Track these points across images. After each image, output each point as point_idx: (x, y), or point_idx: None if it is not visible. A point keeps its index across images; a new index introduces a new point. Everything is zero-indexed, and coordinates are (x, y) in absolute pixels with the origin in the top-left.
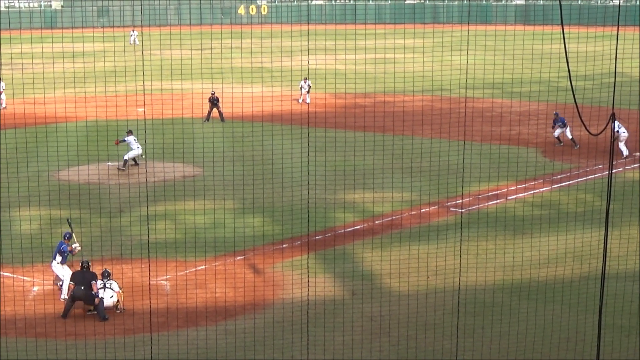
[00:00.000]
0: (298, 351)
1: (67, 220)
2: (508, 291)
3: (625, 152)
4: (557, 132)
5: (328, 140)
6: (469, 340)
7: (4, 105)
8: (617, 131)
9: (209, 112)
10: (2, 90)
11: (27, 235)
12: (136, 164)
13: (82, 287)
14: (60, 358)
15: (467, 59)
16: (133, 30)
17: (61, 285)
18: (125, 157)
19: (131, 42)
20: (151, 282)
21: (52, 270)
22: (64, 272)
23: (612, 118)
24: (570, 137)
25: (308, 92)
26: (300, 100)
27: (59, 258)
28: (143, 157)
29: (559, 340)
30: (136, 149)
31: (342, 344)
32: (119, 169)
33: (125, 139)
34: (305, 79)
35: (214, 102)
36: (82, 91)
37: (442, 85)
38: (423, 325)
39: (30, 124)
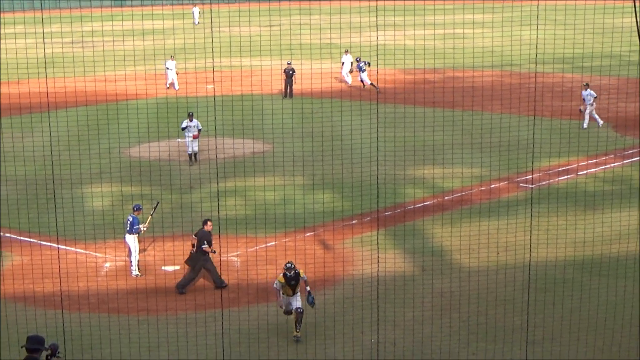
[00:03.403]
0: (368, 326)
1: (156, 203)
2: (579, 267)
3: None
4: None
5: (397, 116)
6: (539, 316)
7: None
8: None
9: (286, 86)
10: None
11: (98, 211)
12: (192, 160)
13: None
14: (132, 333)
15: (537, 34)
16: (194, 6)
17: (132, 260)
18: (189, 152)
19: (196, 22)
20: (221, 258)
21: (125, 243)
22: (136, 245)
23: None
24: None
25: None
26: (349, 82)
27: (128, 229)
28: (192, 160)
29: (631, 316)
30: (189, 143)
31: (412, 319)
32: (190, 165)
33: (186, 124)
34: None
35: (289, 73)
36: (152, 68)
37: (512, 60)
38: (493, 301)
39: (101, 101)
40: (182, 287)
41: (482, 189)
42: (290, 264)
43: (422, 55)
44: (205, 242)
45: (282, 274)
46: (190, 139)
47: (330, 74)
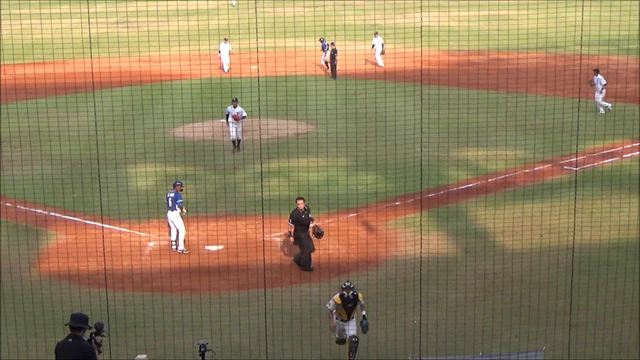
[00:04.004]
0: (411, 308)
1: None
2: (623, 250)
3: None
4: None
5: (441, 98)
6: (583, 298)
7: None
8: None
9: (332, 67)
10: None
11: (143, 191)
12: (235, 147)
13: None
14: (175, 312)
15: (582, 15)
16: None
17: (176, 238)
18: (232, 138)
19: (233, 4)
20: (265, 239)
21: (168, 221)
22: (180, 222)
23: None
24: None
25: (383, 52)
26: (381, 64)
27: (171, 205)
28: (236, 147)
29: None
30: (233, 130)
31: (454, 301)
32: (233, 152)
33: (229, 110)
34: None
35: (332, 54)
36: (197, 49)
37: (557, 42)
38: (537, 283)
39: (146, 81)
40: (308, 264)
41: (526, 171)
42: (349, 283)
43: (467, 36)
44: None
45: (338, 294)
46: (233, 125)
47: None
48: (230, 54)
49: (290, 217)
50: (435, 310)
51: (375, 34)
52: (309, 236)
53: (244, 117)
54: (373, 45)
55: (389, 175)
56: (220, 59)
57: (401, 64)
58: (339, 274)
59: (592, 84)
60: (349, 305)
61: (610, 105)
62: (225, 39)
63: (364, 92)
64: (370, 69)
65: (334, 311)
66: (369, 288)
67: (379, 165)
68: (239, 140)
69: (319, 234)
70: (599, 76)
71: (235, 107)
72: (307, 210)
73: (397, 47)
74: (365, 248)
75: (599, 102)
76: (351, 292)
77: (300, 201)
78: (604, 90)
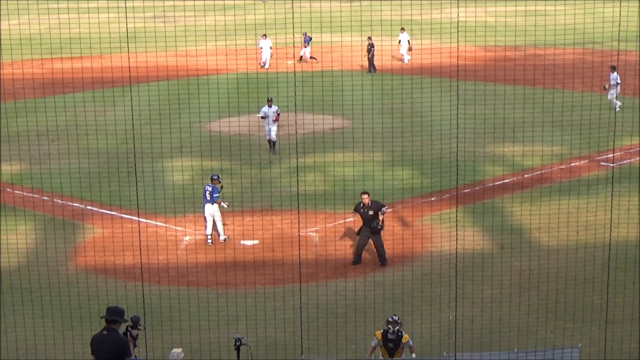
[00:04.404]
0: (446, 304)
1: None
2: None
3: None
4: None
5: (477, 93)
6: (619, 296)
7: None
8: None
9: (369, 61)
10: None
11: (179, 185)
12: (271, 148)
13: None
14: (211, 306)
15: (620, 11)
16: None
17: (212, 231)
18: (267, 138)
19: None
20: (300, 234)
21: (205, 214)
22: (219, 214)
23: None
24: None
25: (410, 48)
26: (406, 60)
27: (210, 199)
28: (272, 147)
29: None
30: (268, 130)
31: (490, 297)
32: (269, 153)
33: (264, 111)
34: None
35: (369, 48)
36: (233, 44)
37: (594, 37)
38: (572, 280)
39: (182, 76)
40: (383, 258)
41: (562, 167)
42: (396, 317)
43: (503, 32)
44: (360, 213)
45: (381, 330)
46: (268, 126)
47: (411, 50)
48: (272, 50)
49: (354, 209)
50: (470, 306)
51: (402, 29)
52: (366, 232)
53: (279, 114)
54: (399, 41)
55: (424, 170)
56: (260, 54)
57: (437, 60)
58: (374, 269)
59: (607, 87)
60: (389, 345)
61: (620, 104)
62: (264, 35)
63: (400, 87)
64: (406, 64)
65: (375, 347)
66: (405, 283)
67: (414, 160)
68: (274, 142)
69: (379, 227)
70: (616, 74)
71: (270, 106)
72: (370, 205)
73: (433, 42)
74: (400, 243)
75: (613, 100)
76: (396, 328)
77: (365, 196)
78: (618, 88)
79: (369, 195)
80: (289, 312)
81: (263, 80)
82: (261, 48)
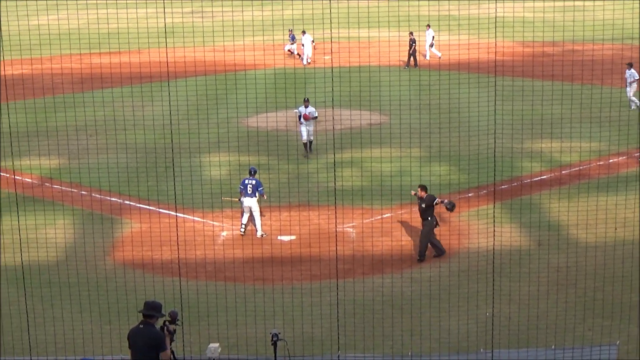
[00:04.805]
0: (483, 300)
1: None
2: None
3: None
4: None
5: (515, 89)
6: None
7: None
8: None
9: (410, 56)
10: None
11: (216, 180)
12: (307, 150)
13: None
14: (248, 302)
15: None
16: None
17: (247, 222)
18: (304, 140)
19: None
20: (337, 229)
21: (243, 207)
22: (258, 208)
23: None
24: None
25: (432, 45)
26: (439, 55)
27: (251, 193)
28: (307, 149)
29: None
30: (305, 132)
31: (527, 294)
32: (305, 156)
33: (300, 112)
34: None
35: (411, 44)
36: (271, 39)
37: (633, 33)
38: (610, 277)
39: (220, 71)
40: (419, 254)
41: (600, 163)
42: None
43: (541, 27)
44: (434, 205)
45: None
46: (305, 127)
47: (448, 46)
48: (313, 45)
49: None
50: (507, 303)
51: (427, 26)
52: (427, 225)
53: (315, 117)
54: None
55: (461, 166)
56: (302, 50)
57: (475, 55)
58: (411, 265)
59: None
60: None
61: (638, 101)
62: (304, 31)
63: (438, 83)
64: (444, 60)
65: None
66: (442, 280)
67: (452, 156)
68: (310, 142)
69: (448, 208)
70: (632, 70)
71: (306, 107)
72: (424, 199)
73: (471, 38)
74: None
75: (630, 97)
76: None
77: (419, 188)
78: (634, 85)
79: (421, 189)
80: (326, 308)
81: (300, 75)
82: (302, 44)
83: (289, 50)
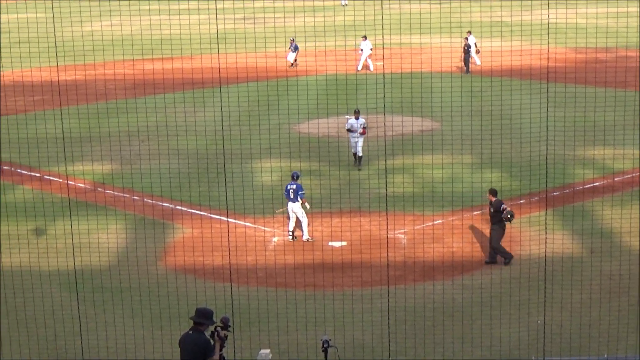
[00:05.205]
0: (535, 308)
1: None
2: None
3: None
4: None
5: (568, 96)
6: None
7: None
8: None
9: (466, 62)
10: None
11: (267, 186)
12: (356, 162)
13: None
14: (299, 308)
15: None
16: None
17: (293, 228)
18: (353, 151)
19: (343, 3)
20: (388, 235)
21: (289, 212)
22: (303, 212)
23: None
24: None
25: (477, 51)
26: (478, 62)
27: (293, 197)
28: (357, 161)
29: None
30: (354, 144)
31: (579, 302)
32: (355, 167)
33: (350, 124)
34: (469, 32)
35: (467, 49)
36: (322, 45)
37: None
38: None
39: (272, 77)
40: (509, 257)
41: None
42: None
43: (594, 33)
44: (501, 211)
45: None
46: (354, 139)
47: (500, 52)
48: (371, 52)
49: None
50: (559, 311)
51: (469, 32)
52: (495, 229)
53: (366, 127)
54: (468, 45)
55: (513, 173)
56: (360, 55)
57: (527, 62)
58: (463, 272)
59: None
60: None
61: None
62: (365, 37)
63: (490, 90)
64: (496, 65)
65: None
66: (493, 287)
67: (503, 163)
68: (360, 158)
69: (507, 218)
70: None
71: (357, 118)
72: (492, 203)
73: (523, 44)
74: (489, 246)
75: None
76: None
77: (489, 193)
78: None
79: (490, 193)
80: (377, 315)
81: (352, 81)
82: (361, 50)
83: (291, 60)
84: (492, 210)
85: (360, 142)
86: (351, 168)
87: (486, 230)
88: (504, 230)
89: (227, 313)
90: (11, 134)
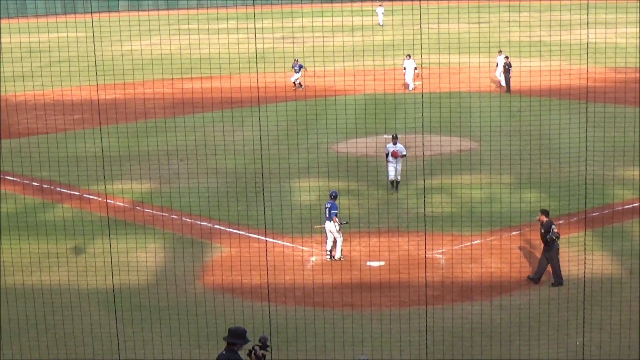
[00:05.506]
0: (574, 329)
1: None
2: None
3: None
4: None
5: (607, 116)
6: None
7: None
8: None
9: (507, 81)
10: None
11: (306, 206)
12: (393, 188)
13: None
14: (336, 328)
15: None
16: (379, 5)
17: (331, 247)
18: (390, 178)
19: (380, 23)
20: (426, 255)
21: (326, 231)
22: (336, 230)
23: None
24: None
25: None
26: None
27: (328, 216)
28: (393, 188)
29: None
30: (392, 170)
31: (618, 323)
32: (390, 193)
33: (388, 149)
34: (503, 53)
35: (507, 68)
36: (361, 64)
37: None
38: None
39: (310, 96)
40: (559, 278)
41: None
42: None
43: (634, 53)
44: (550, 231)
45: None
46: (392, 165)
47: (539, 72)
48: (415, 71)
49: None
50: (598, 332)
51: (499, 52)
52: (548, 251)
53: (404, 155)
54: (497, 64)
55: (552, 193)
56: (404, 75)
57: (566, 81)
58: (501, 292)
59: None
60: None
61: None
62: (408, 55)
63: (529, 109)
64: (535, 85)
65: None
66: (531, 308)
67: (542, 183)
68: (397, 182)
69: (553, 240)
70: None
71: (395, 143)
72: (543, 224)
73: (562, 63)
74: (527, 267)
75: None
76: None
77: (540, 213)
78: None
79: (541, 213)
80: (414, 335)
81: (390, 100)
82: (404, 69)
83: (294, 82)
84: (542, 230)
85: (399, 168)
86: (389, 187)
87: (525, 250)
88: (558, 250)
89: (265, 332)
90: (51, 153)
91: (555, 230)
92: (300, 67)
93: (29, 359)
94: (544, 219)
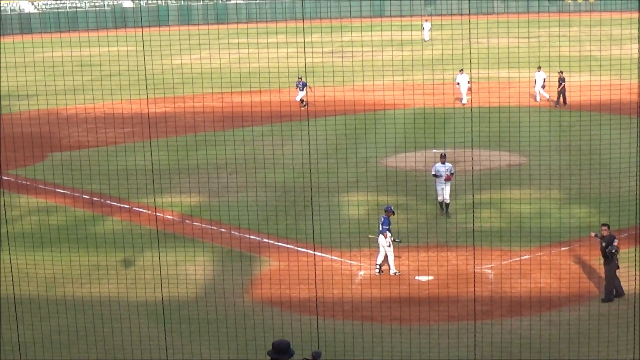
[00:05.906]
0: (624, 346)
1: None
2: None
3: None
4: None
5: None
6: None
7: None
8: None
9: (560, 94)
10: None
11: (354, 220)
12: (442, 210)
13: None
14: (385, 342)
15: None
16: (425, 21)
17: (382, 262)
18: (439, 199)
19: (426, 38)
20: (475, 270)
21: (379, 245)
22: (386, 245)
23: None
24: None
25: (543, 86)
26: (539, 98)
27: (380, 230)
28: (443, 210)
29: None
30: (440, 190)
31: None
32: (441, 214)
33: (437, 169)
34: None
35: (560, 82)
36: (410, 79)
37: None
38: None
39: (359, 110)
40: (609, 295)
41: None
42: None
43: None
44: (610, 245)
45: None
46: (440, 185)
47: (589, 86)
48: (469, 85)
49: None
50: None
51: (539, 68)
52: (608, 264)
53: (453, 173)
54: (535, 81)
55: (602, 208)
56: (459, 89)
57: (616, 96)
58: (550, 308)
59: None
60: None
61: None
62: (461, 70)
63: (579, 124)
64: (585, 100)
65: None
66: (581, 324)
67: (592, 198)
68: (447, 205)
69: (612, 253)
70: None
71: (443, 162)
72: (605, 237)
73: (612, 78)
74: (577, 282)
75: None
76: None
77: (603, 227)
78: None
79: (605, 227)
80: (463, 350)
81: (440, 115)
82: (458, 83)
83: (301, 100)
84: (603, 244)
85: (448, 189)
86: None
87: (574, 266)
88: (617, 266)
89: (313, 346)
90: (101, 166)
91: (615, 244)
92: (304, 84)
93: None
94: (607, 232)
